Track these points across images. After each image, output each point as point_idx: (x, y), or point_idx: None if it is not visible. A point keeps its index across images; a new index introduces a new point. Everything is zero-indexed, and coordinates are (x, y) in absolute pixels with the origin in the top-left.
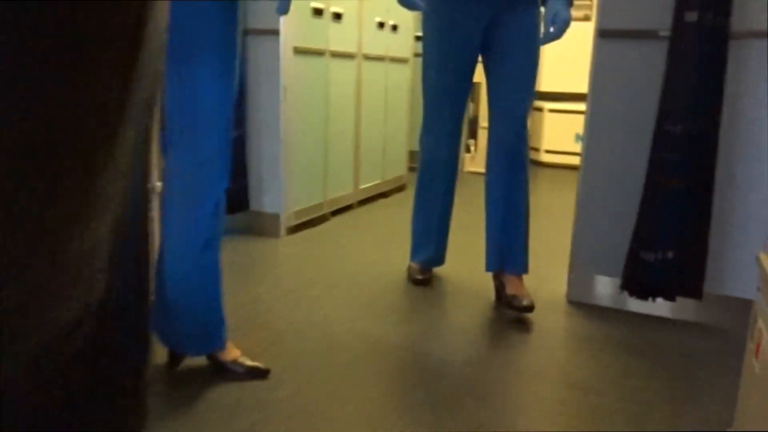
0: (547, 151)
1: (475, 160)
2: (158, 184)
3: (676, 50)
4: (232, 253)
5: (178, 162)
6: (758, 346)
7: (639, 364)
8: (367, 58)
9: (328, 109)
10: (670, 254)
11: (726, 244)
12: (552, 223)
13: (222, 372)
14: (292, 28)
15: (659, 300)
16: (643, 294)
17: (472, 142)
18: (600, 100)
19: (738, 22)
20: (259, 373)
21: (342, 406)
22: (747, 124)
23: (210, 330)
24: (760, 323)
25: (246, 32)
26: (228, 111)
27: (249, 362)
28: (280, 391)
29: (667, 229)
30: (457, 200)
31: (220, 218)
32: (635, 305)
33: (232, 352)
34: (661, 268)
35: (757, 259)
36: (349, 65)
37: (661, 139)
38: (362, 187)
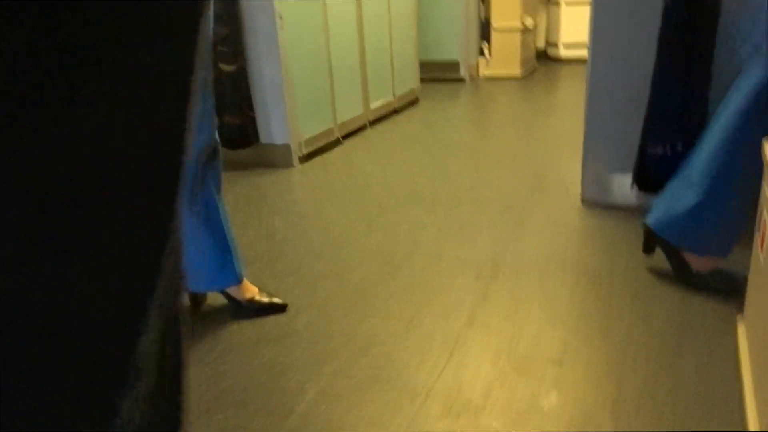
0: (566, 46)
1: (490, 64)
2: None
3: None
4: (245, 188)
5: None
6: (763, 236)
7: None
8: None
9: (329, 29)
10: (679, 146)
11: None
12: (570, 123)
13: (240, 310)
14: None
15: None
16: (653, 188)
17: (485, 45)
18: None
19: None
20: (276, 309)
21: (359, 325)
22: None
23: (221, 267)
24: (765, 214)
25: None
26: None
27: (266, 299)
28: (299, 320)
29: (674, 118)
30: (473, 109)
31: (210, 161)
32: (643, 200)
33: (249, 290)
34: (671, 160)
35: (761, 148)
36: None
37: (666, 28)
38: (373, 106)
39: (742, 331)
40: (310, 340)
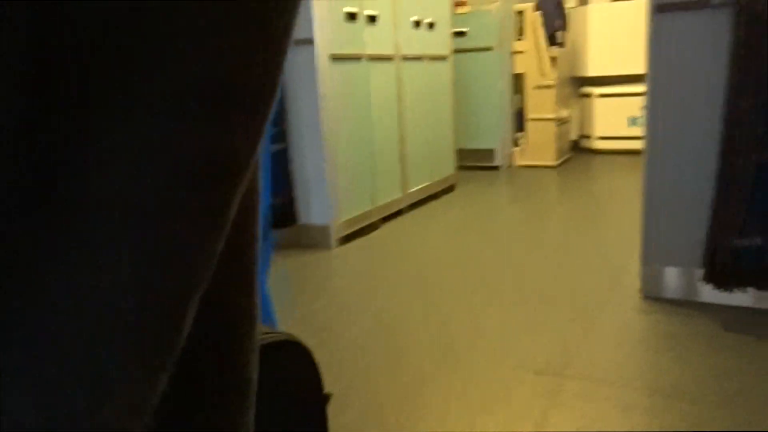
0: (601, 138)
1: (525, 153)
2: None
3: (744, 17)
4: (283, 269)
5: None
6: None
7: (733, 362)
8: (406, 58)
9: (370, 114)
10: (758, 240)
11: None
12: (616, 212)
13: None
14: (326, 35)
15: (735, 290)
16: (730, 284)
17: (520, 134)
18: (660, 78)
19: None
20: None
21: (416, 425)
22: None
23: None
24: None
25: None
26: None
27: None
28: (345, 415)
29: (751, 212)
30: (510, 194)
31: (264, 236)
32: (710, 296)
33: None
34: (751, 255)
35: None
36: (387, 67)
37: (734, 114)
38: (411, 190)
39: None
40: None
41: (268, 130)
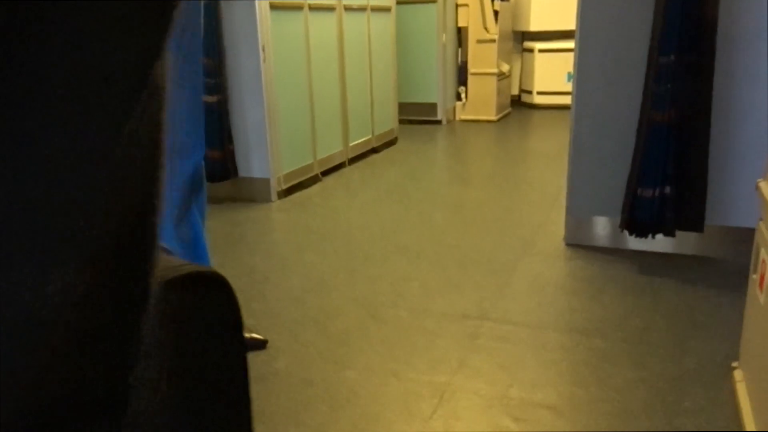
0: (540, 93)
1: (466, 107)
2: None
3: None
4: (224, 223)
5: None
6: (762, 276)
7: (641, 303)
8: (348, 9)
9: (311, 66)
10: (667, 189)
11: (725, 173)
12: (548, 167)
13: None
14: None
15: (659, 236)
16: (642, 232)
17: (462, 89)
18: (588, 34)
19: None
20: (256, 345)
21: (340, 373)
22: (742, 49)
23: None
24: (763, 253)
25: None
26: (194, 75)
27: (246, 334)
28: (279, 361)
29: (663, 163)
30: (450, 149)
31: (197, 190)
32: (635, 243)
33: None
34: (659, 203)
35: (757, 187)
36: (329, 18)
37: (654, 71)
38: (352, 144)
39: (740, 378)
40: (289, 385)
41: (196, 79)
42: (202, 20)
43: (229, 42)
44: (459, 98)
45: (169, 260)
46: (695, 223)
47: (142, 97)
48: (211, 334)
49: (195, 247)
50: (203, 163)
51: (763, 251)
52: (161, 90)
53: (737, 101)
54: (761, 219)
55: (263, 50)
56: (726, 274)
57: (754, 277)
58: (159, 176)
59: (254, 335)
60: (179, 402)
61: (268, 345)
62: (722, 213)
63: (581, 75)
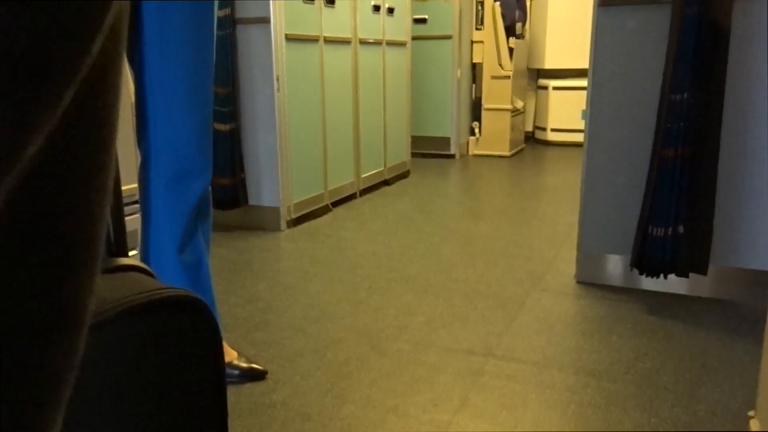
0: (554, 130)
1: (480, 142)
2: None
3: (678, 15)
4: (231, 250)
5: (152, 157)
6: None
7: (652, 344)
8: (363, 42)
9: (325, 97)
10: (680, 228)
11: (734, 213)
12: (560, 203)
13: None
14: (283, 15)
15: (671, 276)
16: (653, 271)
17: (476, 124)
18: (602, 72)
19: None
20: (255, 375)
21: (339, 408)
22: (753, 88)
23: None
24: None
25: (235, 22)
26: (204, 103)
27: (245, 364)
28: (276, 393)
29: (675, 202)
30: (462, 183)
31: (203, 215)
32: (647, 283)
33: (228, 353)
34: (672, 243)
35: None
36: (344, 51)
37: (666, 108)
38: (364, 175)
39: (756, 428)
40: (286, 418)
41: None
42: (213, 48)
43: (244, 71)
44: (473, 133)
45: (149, 283)
46: (701, 265)
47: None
48: (188, 357)
49: (197, 272)
50: (210, 188)
51: None
52: (109, 92)
53: (748, 140)
54: None
55: (277, 80)
56: (740, 317)
57: None
58: (102, 182)
59: (254, 365)
60: (146, 424)
61: (268, 376)
62: (734, 253)
63: (594, 112)
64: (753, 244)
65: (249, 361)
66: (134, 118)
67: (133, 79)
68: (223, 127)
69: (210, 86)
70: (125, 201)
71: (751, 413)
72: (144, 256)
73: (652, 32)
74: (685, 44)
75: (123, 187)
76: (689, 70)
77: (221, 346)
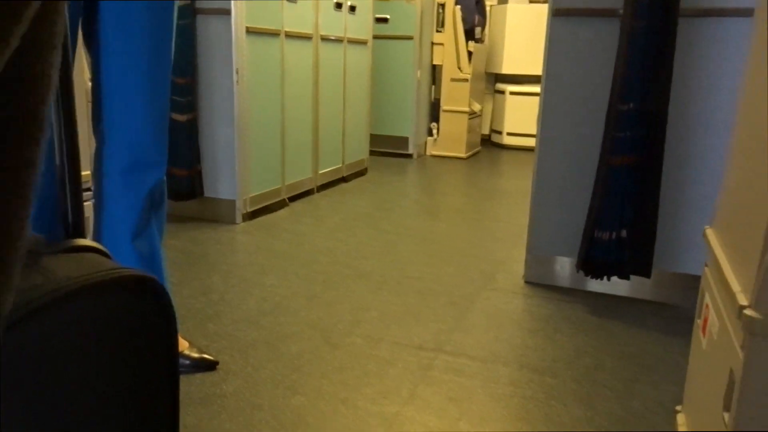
0: (510, 134)
1: (437, 143)
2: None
3: (627, 28)
4: (186, 242)
5: (107, 145)
6: (705, 321)
7: (593, 343)
8: (325, 39)
9: (285, 92)
10: (624, 233)
11: (677, 220)
12: (514, 205)
13: None
14: (244, 8)
15: (616, 279)
16: (597, 273)
17: (434, 125)
18: (554, 80)
19: (687, 0)
20: (206, 365)
21: (289, 399)
22: (696, 101)
23: None
24: (707, 299)
25: (196, 12)
26: (161, 93)
27: (196, 354)
28: (227, 383)
29: (621, 207)
30: (419, 182)
31: (157, 206)
32: (593, 285)
33: (179, 344)
34: (616, 246)
35: (704, 235)
36: (305, 46)
37: (613, 117)
38: (322, 171)
39: (682, 422)
40: (236, 408)
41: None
42: (172, 37)
43: (204, 62)
44: (431, 134)
45: (105, 263)
46: (644, 268)
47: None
48: (142, 335)
49: (152, 262)
50: (165, 178)
51: (707, 296)
52: (40, 85)
53: (690, 149)
54: (706, 265)
55: (237, 73)
56: (678, 319)
57: (698, 321)
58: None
59: (205, 356)
60: (100, 403)
61: (219, 367)
62: (676, 259)
63: (546, 118)
64: (692, 250)
65: (200, 351)
66: (90, 105)
67: (90, 66)
68: (181, 118)
69: (168, 76)
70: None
71: (678, 408)
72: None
73: (603, 43)
74: (633, 56)
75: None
76: (636, 81)
77: (175, 324)
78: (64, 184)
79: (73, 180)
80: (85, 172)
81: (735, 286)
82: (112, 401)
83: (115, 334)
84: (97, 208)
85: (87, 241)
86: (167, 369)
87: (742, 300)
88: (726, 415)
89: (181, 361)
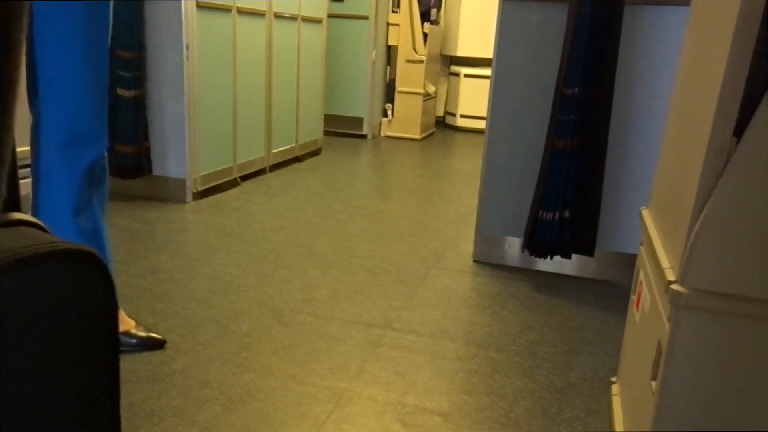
0: (463, 116)
1: (392, 124)
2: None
3: (574, 15)
4: (132, 221)
5: (44, 119)
6: (639, 297)
7: (537, 319)
8: (278, 16)
9: (237, 70)
10: (567, 213)
11: (619, 201)
12: (465, 186)
13: None
14: None
15: (558, 258)
16: (541, 253)
17: (389, 106)
18: (504, 63)
19: None
20: (154, 344)
21: (238, 376)
22: (639, 86)
23: None
24: (641, 276)
25: None
26: (100, 65)
27: (143, 333)
28: (176, 362)
29: (564, 189)
30: (373, 163)
31: (97, 182)
32: (539, 264)
33: (125, 322)
34: (558, 226)
35: (640, 215)
36: (258, 24)
37: (559, 101)
38: (274, 151)
39: (616, 391)
40: (185, 385)
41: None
42: (110, 7)
43: (152, 37)
44: (385, 115)
45: (41, 236)
46: (587, 248)
47: None
48: (81, 309)
49: (95, 238)
50: (106, 154)
51: (642, 273)
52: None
53: (633, 133)
54: (641, 244)
55: (187, 48)
56: (618, 296)
57: (633, 297)
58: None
59: (152, 334)
60: (36, 376)
61: (168, 345)
62: (617, 239)
63: (495, 101)
64: (634, 231)
65: (148, 330)
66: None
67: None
68: (127, 93)
69: (106, 47)
70: (20, 164)
71: (613, 379)
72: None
73: (552, 28)
74: (579, 42)
75: (19, 148)
76: (581, 67)
77: (115, 297)
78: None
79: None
80: (24, 148)
81: (664, 263)
82: (49, 375)
83: (52, 307)
84: (35, 185)
85: (23, 215)
86: (107, 342)
87: (670, 276)
88: (653, 384)
89: (128, 340)
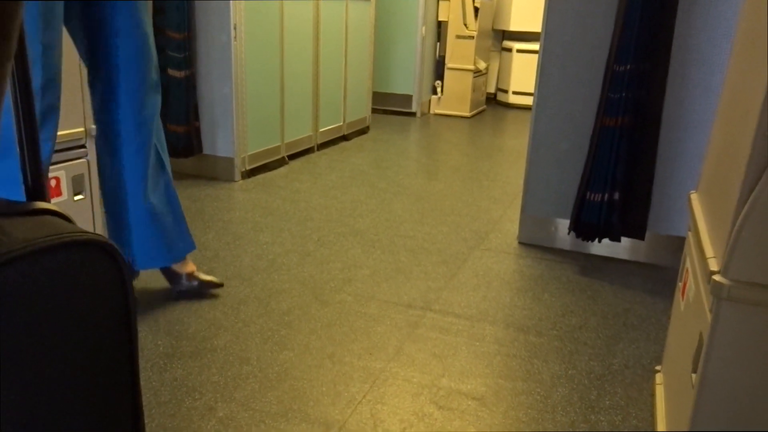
0: (515, 93)
1: (441, 101)
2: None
3: None
4: (183, 198)
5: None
6: (684, 285)
7: (579, 303)
8: None
9: (284, 49)
10: (616, 195)
11: (672, 183)
12: (513, 165)
13: (175, 283)
14: None
15: (607, 241)
16: (589, 235)
17: (438, 83)
18: (553, 38)
19: None
20: (213, 286)
21: (277, 354)
22: (696, 62)
23: (181, 235)
24: (688, 263)
25: None
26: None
27: (204, 276)
28: (218, 338)
29: (613, 169)
30: (420, 141)
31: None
32: (584, 246)
33: (190, 265)
34: (607, 208)
35: (688, 199)
36: (305, 2)
37: (610, 78)
38: (322, 129)
39: (660, 380)
40: (225, 362)
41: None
42: None
43: (200, 17)
44: (435, 92)
45: (62, 226)
46: (638, 231)
47: None
48: (98, 297)
49: (169, 197)
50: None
51: (688, 260)
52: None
53: (688, 112)
54: (690, 230)
55: (235, 28)
56: (666, 280)
57: (679, 284)
58: None
59: (212, 278)
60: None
61: (210, 322)
62: (670, 221)
63: (543, 77)
64: (687, 214)
65: (207, 274)
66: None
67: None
68: (178, 74)
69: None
70: (70, 146)
71: (657, 368)
72: (110, 195)
73: (603, 3)
74: (631, 16)
75: (65, 132)
76: (633, 42)
77: (131, 286)
78: (23, 147)
79: (31, 143)
80: (75, 130)
81: (709, 251)
82: (69, 362)
83: (71, 296)
84: (109, 161)
85: (46, 204)
86: (124, 328)
87: (713, 266)
88: (694, 377)
89: (191, 282)
